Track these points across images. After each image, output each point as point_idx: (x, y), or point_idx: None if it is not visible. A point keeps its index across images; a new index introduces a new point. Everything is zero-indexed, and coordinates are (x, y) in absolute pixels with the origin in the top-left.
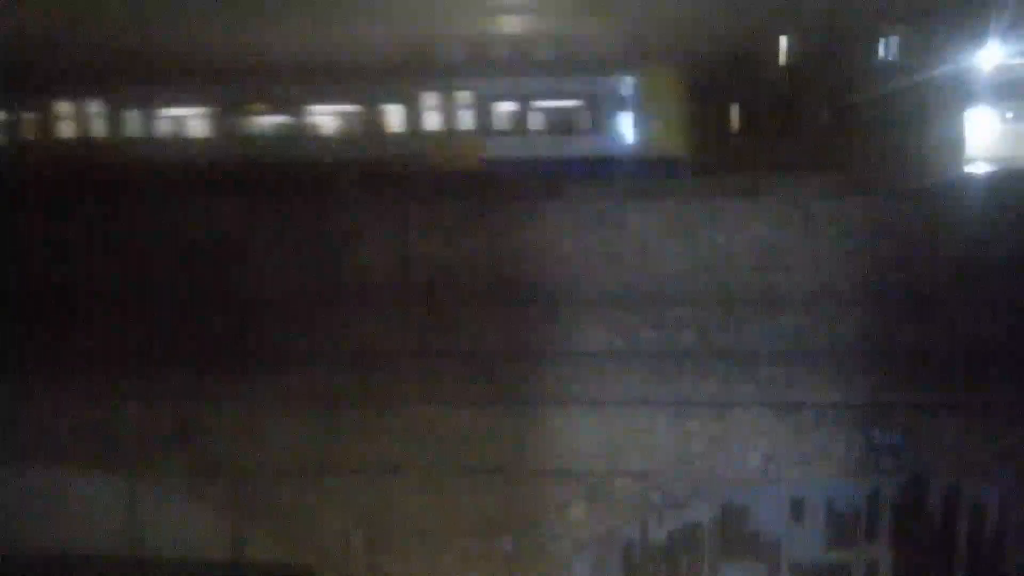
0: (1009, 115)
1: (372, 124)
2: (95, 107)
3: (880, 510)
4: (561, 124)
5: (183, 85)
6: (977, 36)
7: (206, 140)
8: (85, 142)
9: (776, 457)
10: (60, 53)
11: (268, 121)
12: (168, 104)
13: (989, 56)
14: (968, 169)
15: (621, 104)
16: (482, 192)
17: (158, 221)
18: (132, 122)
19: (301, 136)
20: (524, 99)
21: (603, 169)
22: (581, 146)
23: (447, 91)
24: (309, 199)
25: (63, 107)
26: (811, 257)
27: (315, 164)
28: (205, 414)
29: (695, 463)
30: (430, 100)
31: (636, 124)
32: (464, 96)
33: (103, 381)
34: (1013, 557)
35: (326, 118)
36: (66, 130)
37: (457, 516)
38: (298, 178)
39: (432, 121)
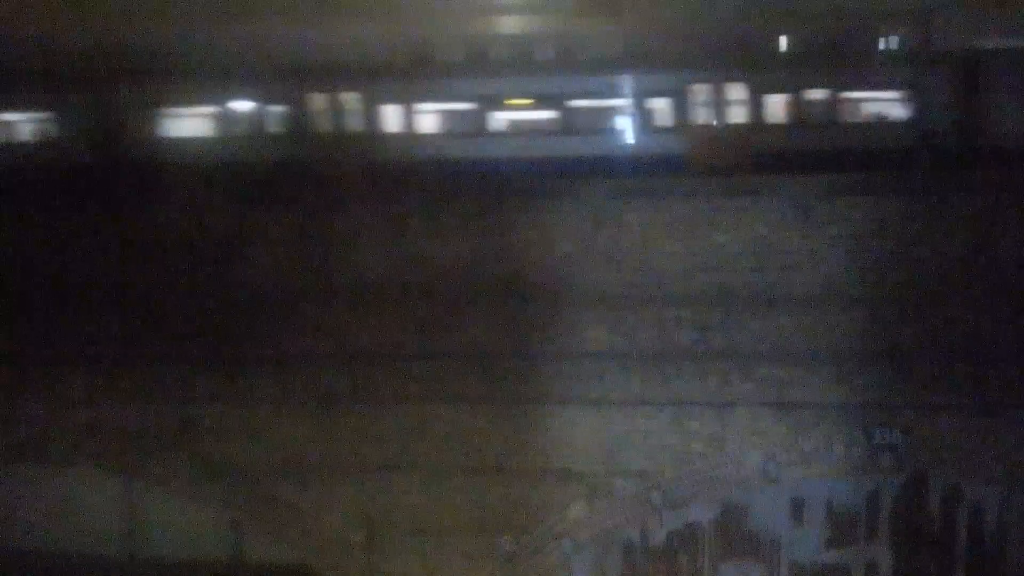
0: None
1: None
2: None
3: (880, 510)
4: None
5: None
6: None
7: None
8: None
9: (776, 457)
10: None
11: None
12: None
13: None
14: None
15: None
16: (482, 192)
17: (158, 219)
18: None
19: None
20: None
21: None
22: None
23: None
24: (310, 198)
25: None
26: (811, 257)
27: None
28: (205, 413)
29: (695, 463)
30: None
31: None
32: None
33: (102, 380)
34: (1013, 557)
35: None
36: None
37: (457, 515)
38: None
39: None
